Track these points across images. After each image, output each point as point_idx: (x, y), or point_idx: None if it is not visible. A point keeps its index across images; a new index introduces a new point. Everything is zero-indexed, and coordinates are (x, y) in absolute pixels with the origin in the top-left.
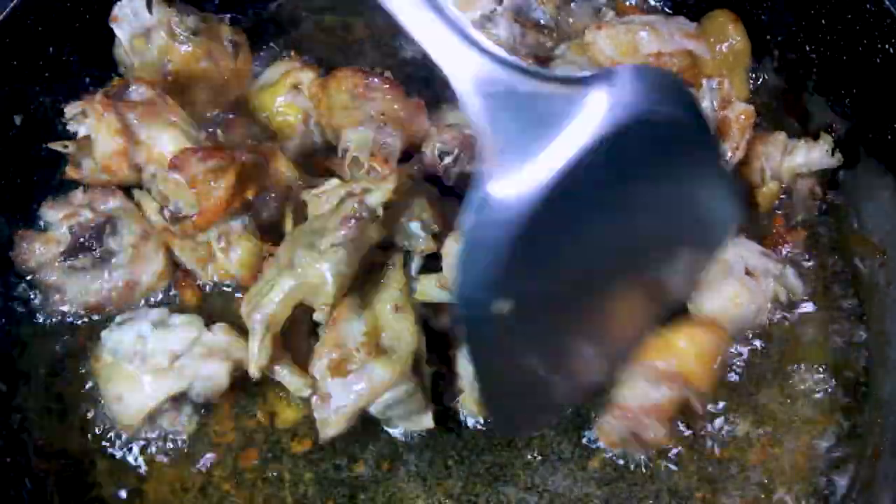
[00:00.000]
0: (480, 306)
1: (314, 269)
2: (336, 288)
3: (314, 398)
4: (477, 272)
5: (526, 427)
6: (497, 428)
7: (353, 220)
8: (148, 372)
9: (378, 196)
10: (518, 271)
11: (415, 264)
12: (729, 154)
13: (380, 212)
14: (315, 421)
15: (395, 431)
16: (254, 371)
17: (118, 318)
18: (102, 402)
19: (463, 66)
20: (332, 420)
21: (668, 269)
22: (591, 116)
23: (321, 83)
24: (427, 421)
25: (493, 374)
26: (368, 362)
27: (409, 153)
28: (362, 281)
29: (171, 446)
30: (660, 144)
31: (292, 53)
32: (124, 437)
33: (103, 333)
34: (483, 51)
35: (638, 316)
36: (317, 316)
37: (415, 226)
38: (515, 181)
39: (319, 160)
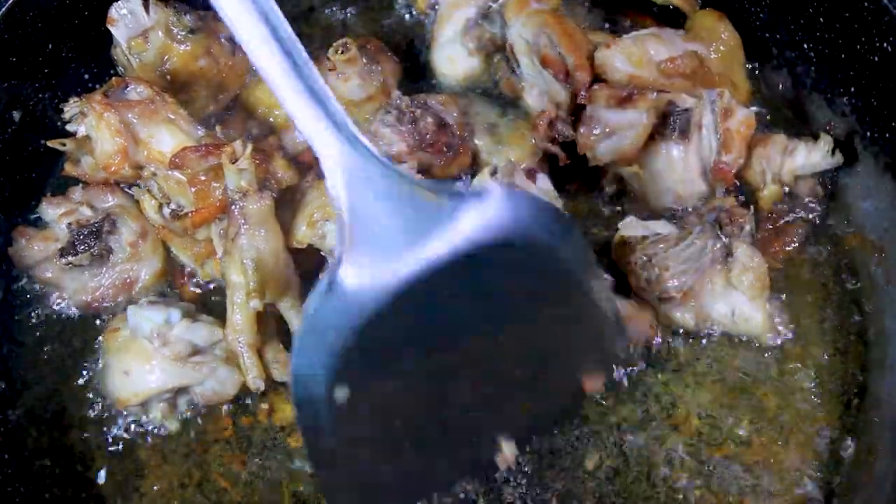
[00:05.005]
0: (314, 390)
1: (233, 274)
2: (260, 275)
3: None
4: (313, 356)
5: None
6: None
7: (233, 207)
8: (165, 356)
9: (232, 174)
10: (356, 361)
11: None
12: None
13: (243, 184)
14: None
15: None
16: (252, 384)
17: (148, 298)
18: (103, 372)
19: (337, 158)
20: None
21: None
22: (456, 231)
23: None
24: None
25: (327, 460)
26: None
27: None
28: None
29: (170, 443)
30: (524, 268)
31: None
32: (123, 434)
33: (130, 308)
34: (361, 148)
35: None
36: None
37: (330, 227)
38: (367, 274)
39: (308, 153)
